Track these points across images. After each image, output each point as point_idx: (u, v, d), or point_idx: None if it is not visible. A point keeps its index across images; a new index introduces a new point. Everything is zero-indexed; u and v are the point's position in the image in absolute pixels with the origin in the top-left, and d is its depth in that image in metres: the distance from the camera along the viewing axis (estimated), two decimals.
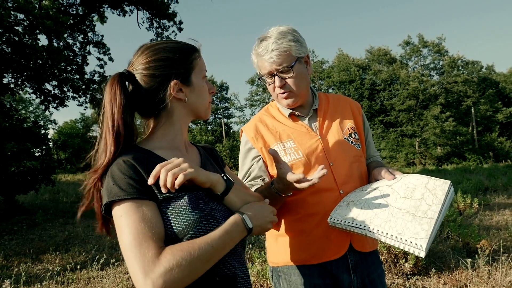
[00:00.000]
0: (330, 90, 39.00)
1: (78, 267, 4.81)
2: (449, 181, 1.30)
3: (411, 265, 3.90)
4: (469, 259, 3.80)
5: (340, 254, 1.49)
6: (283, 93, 1.57)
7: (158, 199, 0.98)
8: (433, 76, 36.81)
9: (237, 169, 1.82)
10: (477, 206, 7.46)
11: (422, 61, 36.98)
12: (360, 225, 1.27)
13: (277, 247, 1.62)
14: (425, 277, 3.96)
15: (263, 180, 1.57)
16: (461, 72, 36.04)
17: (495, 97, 37.86)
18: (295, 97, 1.58)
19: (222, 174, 1.13)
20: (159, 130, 1.14)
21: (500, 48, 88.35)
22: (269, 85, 1.60)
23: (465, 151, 32.57)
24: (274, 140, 1.58)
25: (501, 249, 4.17)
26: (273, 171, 1.57)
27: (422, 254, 1.12)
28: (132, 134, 1.07)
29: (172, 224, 0.96)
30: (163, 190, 0.94)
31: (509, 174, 14.31)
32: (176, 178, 0.94)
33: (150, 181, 0.95)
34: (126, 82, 1.09)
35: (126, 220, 0.92)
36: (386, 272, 4.06)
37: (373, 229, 1.23)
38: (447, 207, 1.28)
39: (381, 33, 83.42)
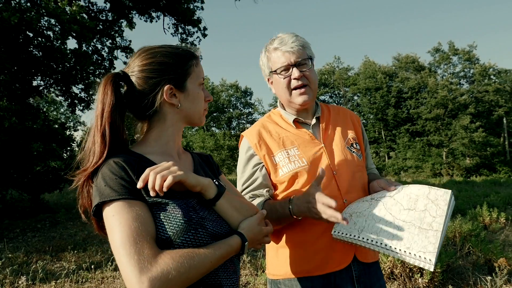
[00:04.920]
0: (355, 98, 38.53)
1: (93, 266, 4.90)
2: (450, 191, 1.28)
3: (427, 280, 3.75)
4: (489, 277, 3.62)
5: (345, 265, 1.45)
6: (300, 86, 1.53)
7: (148, 203, 0.97)
8: (462, 84, 35.77)
9: None
10: (504, 221, 7.10)
11: (451, 69, 36.04)
12: (367, 239, 1.25)
13: (278, 259, 1.57)
14: None
15: (268, 191, 1.54)
16: (493, 81, 34.81)
17: None
18: (311, 93, 1.55)
19: (214, 180, 1.11)
20: (151, 135, 1.14)
21: None
22: (284, 78, 1.54)
23: (495, 163, 31.31)
24: (278, 147, 1.55)
25: None
26: (276, 178, 1.53)
27: (431, 268, 1.12)
28: (121, 135, 1.05)
29: (160, 230, 0.95)
30: (152, 193, 0.93)
31: None
32: (165, 181, 0.93)
33: (140, 184, 0.94)
34: (122, 83, 1.10)
35: (119, 219, 0.90)
36: (401, 287, 3.91)
37: (381, 243, 1.22)
38: (450, 216, 1.27)
39: (409, 41, 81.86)
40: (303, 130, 1.59)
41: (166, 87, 1.09)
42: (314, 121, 1.62)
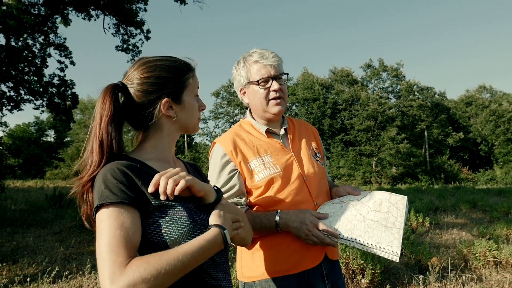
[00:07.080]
0: (294, 107, 39.77)
1: (28, 279, 4.54)
2: (406, 197, 1.54)
3: (368, 281, 4.05)
4: (421, 276, 4.00)
5: (317, 263, 1.58)
6: (277, 97, 1.67)
7: (147, 208, 1.00)
8: (390, 99, 38.63)
9: None
10: (428, 225, 7.86)
11: (381, 84, 38.81)
12: (343, 236, 1.45)
13: (253, 261, 1.63)
14: None
15: (245, 199, 1.62)
16: (416, 97, 38.10)
17: (446, 122, 40.29)
18: (284, 105, 1.70)
19: (214, 186, 1.19)
20: (148, 143, 1.18)
21: (451, 76, 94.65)
22: (264, 89, 1.67)
23: (418, 172, 34.20)
24: (253, 154, 1.64)
25: (449, 266, 4.43)
26: (251, 184, 1.61)
27: (396, 259, 1.34)
28: (118, 144, 1.09)
29: (166, 232, 0.98)
30: (162, 197, 0.98)
31: (457, 195, 15.19)
32: (176, 185, 0.99)
33: (151, 188, 0.99)
34: (120, 94, 1.13)
35: (106, 225, 0.93)
36: None
37: (354, 239, 1.42)
38: (406, 218, 1.52)
39: (344, 54, 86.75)
40: (273, 139, 1.72)
41: (164, 101, 1.14)
42: (282, 131, 1.76)
